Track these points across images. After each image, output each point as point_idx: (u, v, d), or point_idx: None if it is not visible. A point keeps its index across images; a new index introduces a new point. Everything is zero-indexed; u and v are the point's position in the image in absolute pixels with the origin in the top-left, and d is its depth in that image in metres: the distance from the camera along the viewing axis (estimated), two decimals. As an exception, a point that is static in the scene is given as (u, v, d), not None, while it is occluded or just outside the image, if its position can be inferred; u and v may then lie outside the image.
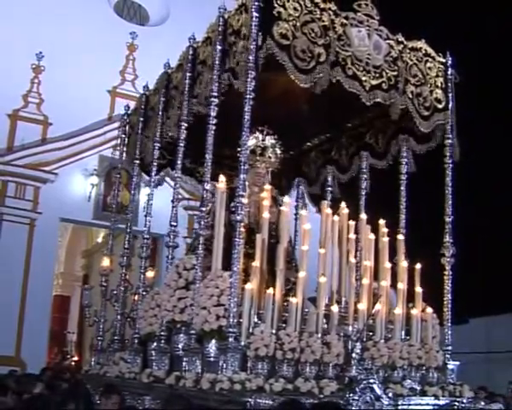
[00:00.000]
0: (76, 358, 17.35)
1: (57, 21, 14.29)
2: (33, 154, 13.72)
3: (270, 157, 7.00)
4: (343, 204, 6.40)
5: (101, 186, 14.31)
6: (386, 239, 6.32)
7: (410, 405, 5.54)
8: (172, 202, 6.51)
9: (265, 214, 5.82)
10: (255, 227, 6.26)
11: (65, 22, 14.33)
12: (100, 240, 17.59)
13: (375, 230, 6.38)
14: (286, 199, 6.31)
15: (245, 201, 5.41)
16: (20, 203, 13.43)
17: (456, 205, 6.58)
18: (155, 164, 7.21)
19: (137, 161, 7.78)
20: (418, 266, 6.26)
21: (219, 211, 5.77)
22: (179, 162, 6.58)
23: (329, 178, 7.95)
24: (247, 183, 5.65)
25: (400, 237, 6.55)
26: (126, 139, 8.31)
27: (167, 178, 8.03)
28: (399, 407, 5.37)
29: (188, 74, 6.39)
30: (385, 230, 6.39)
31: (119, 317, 7.47)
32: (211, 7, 6.29)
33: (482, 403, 5.95)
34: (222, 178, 5.95)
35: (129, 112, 8.42)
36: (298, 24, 5.56)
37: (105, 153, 14.20)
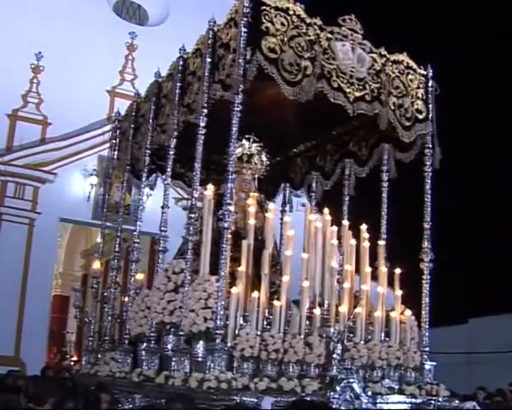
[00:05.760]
0: (75, 358, 17.39)
1: (56, 21, 14.27)
2: (32, 154, 13.66)
3: (256, 164, 7.21)
4: (326, 210, 6.61)
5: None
6: (366, 244, 6.53)
7: (388, 403, 5.77)
8: (162, 207, 6.67)
9: (251, 221, 6.03)
10: (242, 232, 6.46)
11: (64, 22, 14.31)
12: (99, 240, 17.62)
13: (359, 235, 6.60)
14: (271, 206, 6.51)
15: (232, 208, 5.60)
16: (20, 203, 13.38)
17: (446, 208, 6.76)
18: (146, 170, 7.37)
19: (128, 167, 7.93)
20: (398, 270, 6.47)
21: (207, 218, 5.96)
22: (169, 169, 6.76)
23: (313, 184, 8.16)
24: (234, 190, 5.82)
25: (381, 242, 6.74)
26: (118, 144, 8.44)
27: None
28: (378, 406, 5.60)
29: (178, 84, 6.57)
30: (366, 235, 6.60)
31: (109, 318, 7.62)
32: (210, 7, 6.42)
33: (456, 402, 6.15)
34: (210, 186, 6.14)
35: (119, 118, 8.58)
36: (285, 38, 5.77)
37: (104, 153, 14.07)
